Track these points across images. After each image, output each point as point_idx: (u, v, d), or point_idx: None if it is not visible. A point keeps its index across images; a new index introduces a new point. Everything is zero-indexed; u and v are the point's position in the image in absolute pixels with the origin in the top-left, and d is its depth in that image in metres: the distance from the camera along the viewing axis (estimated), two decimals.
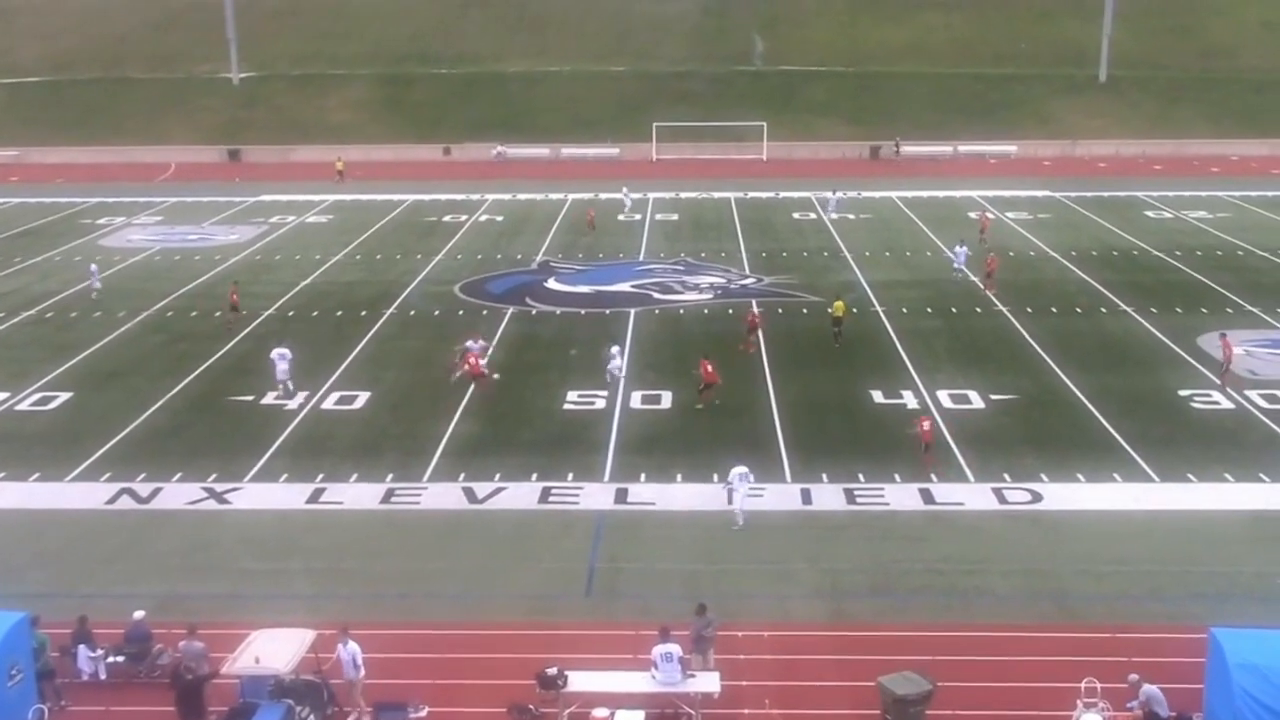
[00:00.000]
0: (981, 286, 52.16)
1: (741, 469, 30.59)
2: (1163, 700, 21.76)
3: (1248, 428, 36.36)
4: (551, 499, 31.86)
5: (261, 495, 32.36)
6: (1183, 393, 39.26)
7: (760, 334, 44.37)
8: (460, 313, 50.06)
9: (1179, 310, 48.75)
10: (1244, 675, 20.70)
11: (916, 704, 21.52)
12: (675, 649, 22.17)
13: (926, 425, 34.08)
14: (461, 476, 33.22)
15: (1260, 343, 44.40)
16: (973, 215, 67.90)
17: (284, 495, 32.31)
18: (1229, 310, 48.95)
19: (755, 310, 46.62)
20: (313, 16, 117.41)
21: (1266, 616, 24.21)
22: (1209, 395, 39.00)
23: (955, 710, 22.17)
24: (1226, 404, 38.25)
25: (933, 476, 32.70)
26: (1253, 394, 38.82)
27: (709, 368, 38.26)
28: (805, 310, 49.39)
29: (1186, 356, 42.84)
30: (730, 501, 30.44)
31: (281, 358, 39.69)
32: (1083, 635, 24.85)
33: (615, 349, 41.09)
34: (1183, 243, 61.88)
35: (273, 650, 21.58)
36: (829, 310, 46.01)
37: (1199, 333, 45.29)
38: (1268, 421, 36.53)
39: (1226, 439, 35.44)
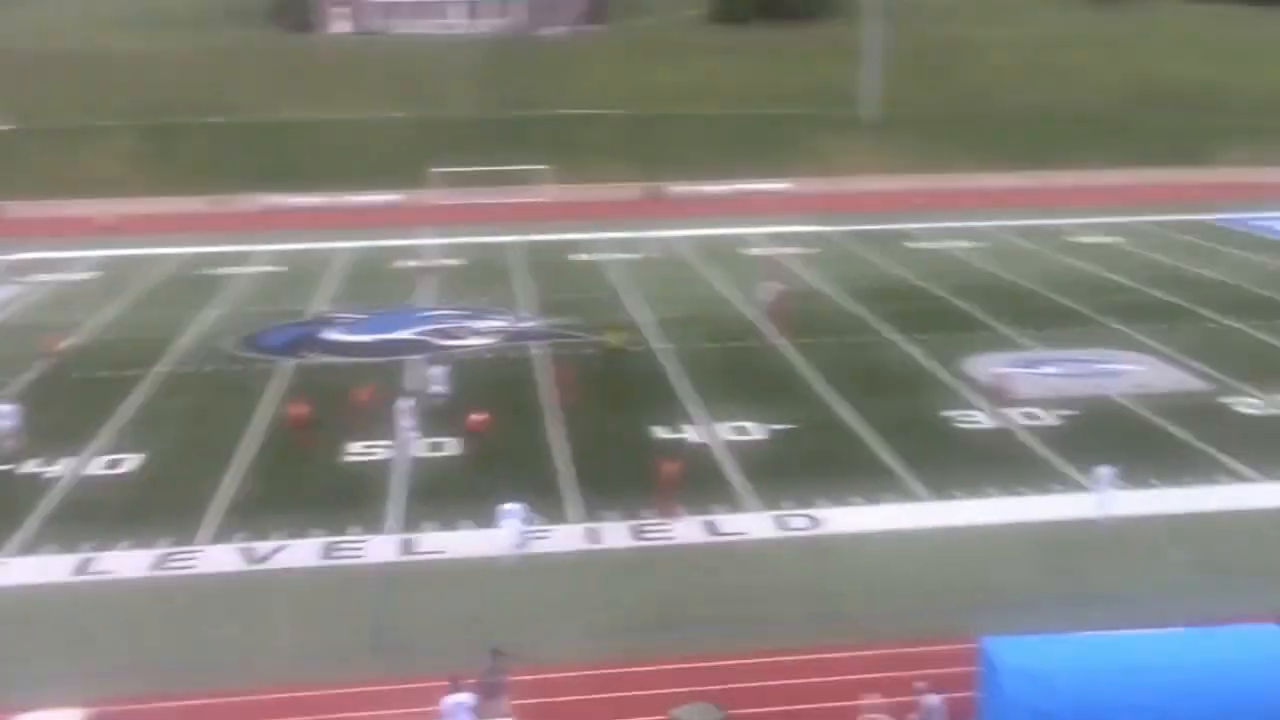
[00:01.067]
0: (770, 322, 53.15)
1: (513, 505, 30.76)
2: (942, 711, 22.56)
3: (1009, 445, 38.19)
4: (335, 554, 31.18)
5: (21, 570, 30.67)
6: (947, 414, 41.00)
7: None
8: (236, 368, 48.71)
9: (942, 336, 50.92)
10: (1015, 681, 21.66)
11: None
12: (466, 698, 21.94)
13: (669, 468, 33.94)
14: (240, 537, 32.24)
15: (1017, 363, 46.72)
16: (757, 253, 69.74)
17: (47, 568, 30.69)
18: (987, 334, 51.42)
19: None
20: (74, 68, 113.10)
21: (1033, 624, 25.34)
22: (971, 415, 40.84)
23: None
24: (988, 423, 40.12)
25: (648, 515, 32.97)
26: (1011, 412, 40.81)
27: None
28: (590, 351, 49.75)
29: (950, 379, 44.77)
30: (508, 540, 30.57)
31: (2, 416, 38.03)
32: (864, 653, 25.60)
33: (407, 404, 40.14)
34: (945, 271, 64.74)
35: None
36: (604, 340, 47.08)
37: (961, 356, 47.40)
38: (1026, 438, 38.42)
39: (989, 456, 37.14)
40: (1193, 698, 21.62)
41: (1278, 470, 35.51)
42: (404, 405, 39.72)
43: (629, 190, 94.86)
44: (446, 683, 22.33)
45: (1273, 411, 40.93)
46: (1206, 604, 27.26)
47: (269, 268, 69.97)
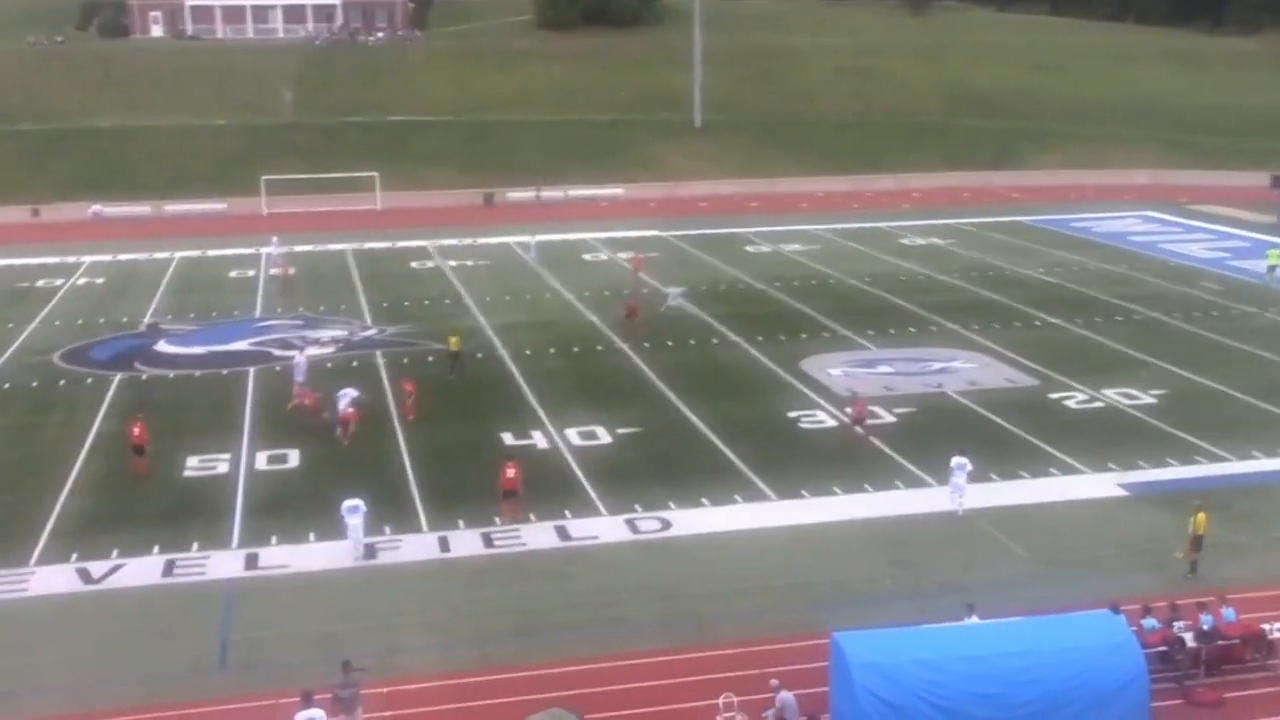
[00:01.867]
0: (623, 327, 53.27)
1: (352, 502, 30.88)
2: (795, 706, 23.01)
3: (850, 443, 39.10)
4: (176, 571, 30.31)
5: None
6: (791, 414, 41.81)
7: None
8: (61, 382, 46.86)
9: (782, 337, 51.89)
10: (865, 674, 22.20)
11: None
12: (319, 714, 21.57)
13: (511, 473, 33.42)
14: (74, 557, 31.05)
15: (854, 363, 47.91)
16: (624, 256, 69.98)
17: None
18: (825, 335, 52.60)
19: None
20: None
21: (881, 617, 26.04)
22: (814, 415, 41.73)
23: None
24: (831, 422, 41.06)
25: (496, 520, 32.95)
26: (852, 411, 41.75)
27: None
28: (430, 359, 49.25)
29: (792, 380, 45.66)
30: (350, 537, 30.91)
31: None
32: (718, 653, 25.96)
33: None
34: (781, 274, 65.96)
35: None
36: (446, 346, 47.05)
37: (801, 357, 48.39)
38: (869, 436, 39.39)
39: (834, 455, 38.00)
40: (1033, 684, 22.46)
41: (1102, 461, 37.09)
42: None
43: (462, 197, 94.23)
44: (299, 698, 21.89)
45: (1096, 405, 42.75)
46: (1044, 592, 28.36)
47: (94, 279, 67.49)
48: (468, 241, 77.02)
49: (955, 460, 33.70)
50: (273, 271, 67.59)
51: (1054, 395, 43.92)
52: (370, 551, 30.83)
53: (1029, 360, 47.98)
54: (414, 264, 70.86)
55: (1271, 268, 63.78)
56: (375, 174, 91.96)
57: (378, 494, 34.54)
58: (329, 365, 48.91)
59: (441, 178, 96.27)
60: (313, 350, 45.68)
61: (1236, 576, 29.10)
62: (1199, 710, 23.66)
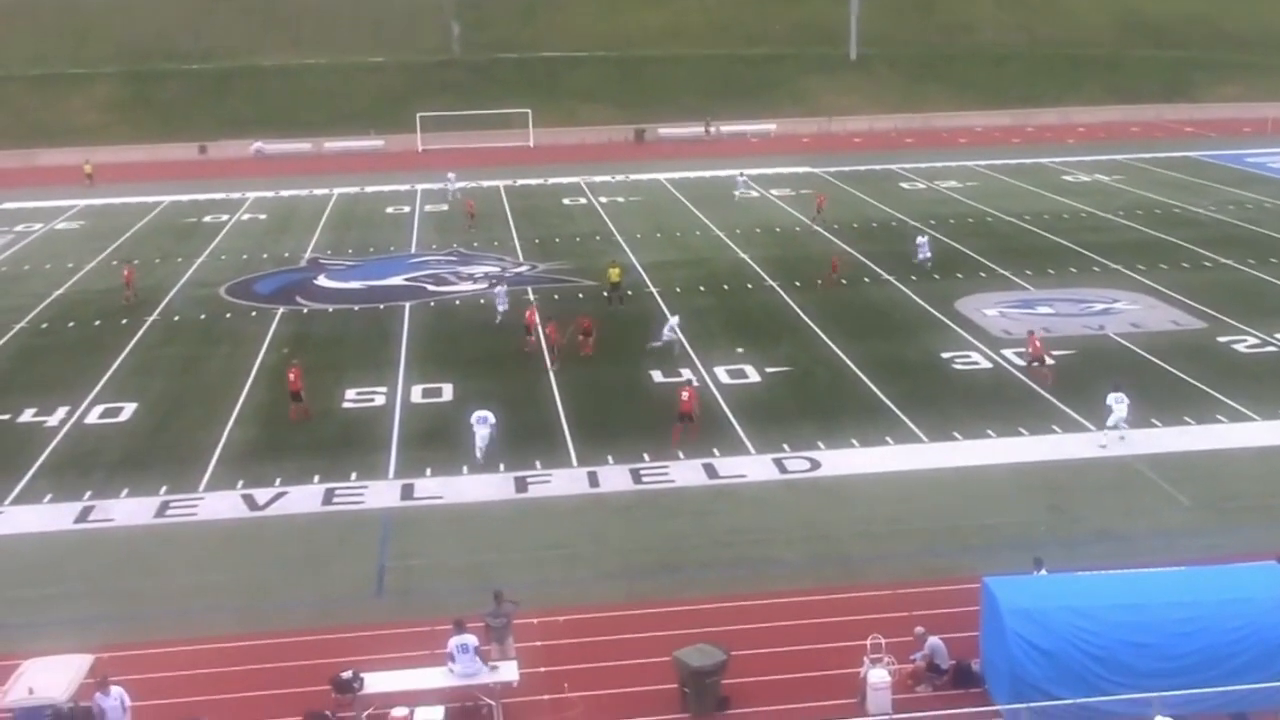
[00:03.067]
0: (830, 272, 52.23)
1: (482, 413, 32.99)
2: (944, 651, 22.74)
3: (1006, 385, 38.24)
4: (335, 500, 31.19)
5: (24, 518, 30.62)
6: (945, 355, 41.03)
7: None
8: (228, 315, 48.49)
9: (936, 277, 50.85)
10: (1017, 620, 21.77)
11: (712, 674, 21.93)
12: (471, 640, 22.01)
13: (686, 395, 34.37)
14: (240, 484, 32.19)
15: (1011, 304, 46.76)
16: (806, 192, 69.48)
17: (49, 516, 30.64)
18: (982, 275, 51.39)
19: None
20: (50, 15, 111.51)
21: (1032, 564, 25.46)
22: (969, 356, 40.88)
23: (749, 677, 22.67)
24: (985, 363, 40.17)
25: (679, 454, 33.15)
26: (1008, 353, 40.86)
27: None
28: (581, 295, 49.58)
29: (946, 320, 44.77)
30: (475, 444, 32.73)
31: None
32: (865, 594, 25.73)
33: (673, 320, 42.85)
34: (936, 212, 64.60)
35: (47, 680, 20.53)
36: (606, 278, 47.74)
37: (956, 297, 47.38)
38: (1023, 379, 38.47)
39: (987, 397, 37.20)
40: (1193, 635, 21.73)
41: (1273, 408, 35.60)
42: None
43: (614, 133, 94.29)
44: (451, 625, 22.37)
45: (1268, 349, 41.02)
46: (1208, 542, 27.44)
47: (257, 215, 69.52)
48: (619, 178, 77.15)
49: (1112, 396, 32.91)
50: (448, 201, 69.61)
51: (1223, 339, 42.23)
52: (521, 484, 31.31)
53: (1197, 302, 46.20)
54: (566, 200, 71.30)
55: None
56: (528, 110, 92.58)
57: (529, 428, 35.09)
58: (481, 301, 49.60)
59: (594, 113, 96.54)
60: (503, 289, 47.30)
61: None
62: None
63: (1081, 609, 22.06)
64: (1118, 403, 33.04)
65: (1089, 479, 31.43)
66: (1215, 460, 32.48)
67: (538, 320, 43.01)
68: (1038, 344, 38.96)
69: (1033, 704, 19.31)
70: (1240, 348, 41.26)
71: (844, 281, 50.01)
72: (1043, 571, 24.11)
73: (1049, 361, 38.57)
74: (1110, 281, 49.91)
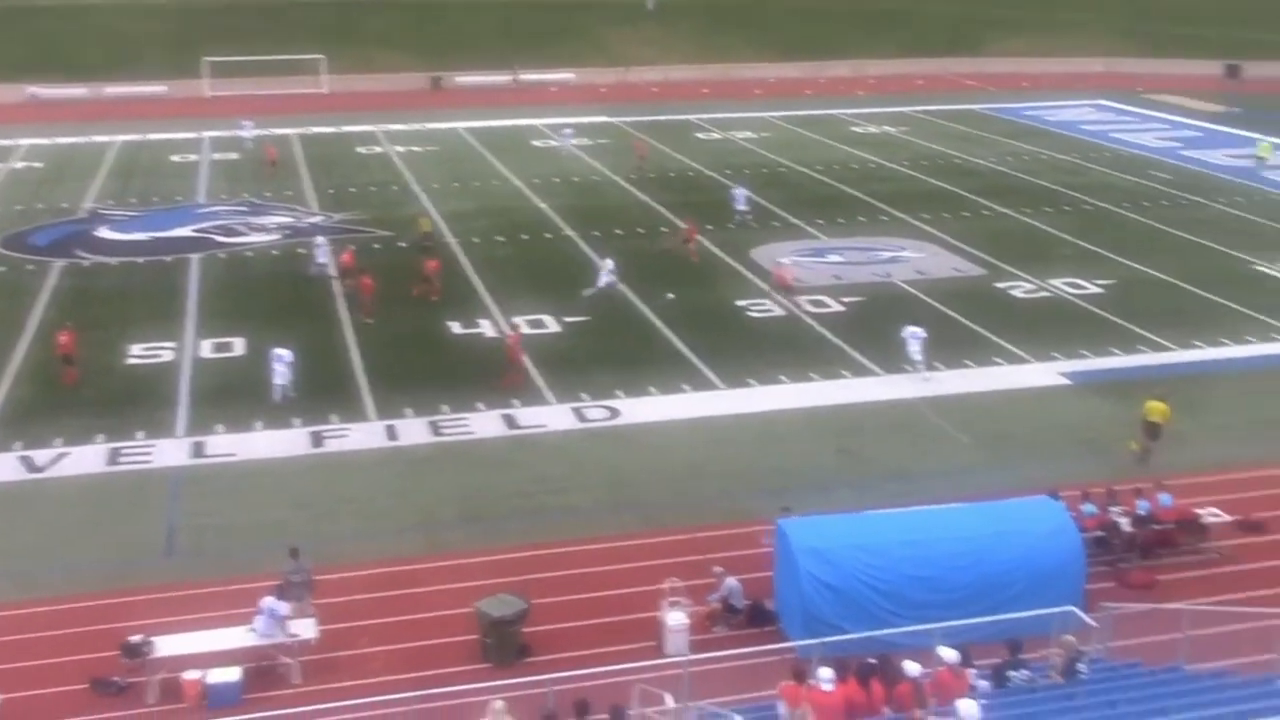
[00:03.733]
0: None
1: (280, 350, 33.51)
2: (740, 591, 23.32)
3: (799, 332, 39.25)
4: (121, 460, 30.10)
5: None
6: (740, 303, 41.82)
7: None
8: (2, 269, 46.06)
9: (731, 226, 51.64)
10: (807, 559, 22.51)
11: (512, 623, 22.06)
12: (283, 607, 21.61)
13: (511, 341, 34.81)
14: (18, 445, 30.75)
15: (804, 253, 47.87)
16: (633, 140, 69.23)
17: None
18: (775, 224, 52.42)
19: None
20: None
21: (824, 504, 26.33)
22: (763, 304, 41.76)
23: (551, 625, 22.89)
24: (778, 311, 41.10)
25: (515, 401, 33.31)
26: (801, 300, 41.88)
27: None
28: (377, 245, 48.75)
29: (741, 269, 45.59)
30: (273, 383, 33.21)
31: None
32: (663, 539, 26.18)
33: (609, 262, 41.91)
34: (732, 162, 65.54)
35: None
36: (417, 226, 47.63)
37: (751, 246, 48.26)
38: (816, 325, 39.53)
39: (781, 344, 38.10)
40: (971, 567, 22.83)
41: (1046, 350, 37.42)
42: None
43: (410, 80, 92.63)
44: (250, 586, 21.92)
45: (1042, 294, 43.02)
46: (987, 479, 28.73)
47: (32, 163, 66.03)
48: (416, 127, 75.97)
49: (908, 330, 34.56)
50: (244, 148, 67.67)
51: (1000, 285, 44.17)
52: (317, 439, 30.79)
53: (977, 250, 48.14)
54: (361, 149, 69.86)
55: (1260, 159, 64.20)
56: (321, 57, 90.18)
57: (324, 382, 34.49)
58: (274, 253, 48.35)
59: (390, 60, 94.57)
60: (322, 239, 46.25)
61: (1175, 463, 29.60)
62: (1131, 592, 24.18)
63: (868, 546, 22.93)
64: (913, 338, 34.59)
65: (877, 421, 32.57)
66: (993, 401, 34.03)
67: (355, 264, 42.94)
68: (785, 275, 41.36)
69: (825, 639, 19.97)
70: (1016, 293, 43.20)
71: (695, 256, 47.10)
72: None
73: (793, 294, 40.67)
74: (897, 230, 51.55)
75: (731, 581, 23.38)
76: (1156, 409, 30.03)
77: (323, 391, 33.85)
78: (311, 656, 21.80)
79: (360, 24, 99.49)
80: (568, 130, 70.89)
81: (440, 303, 41.51)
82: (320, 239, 46.19)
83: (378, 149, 69.86)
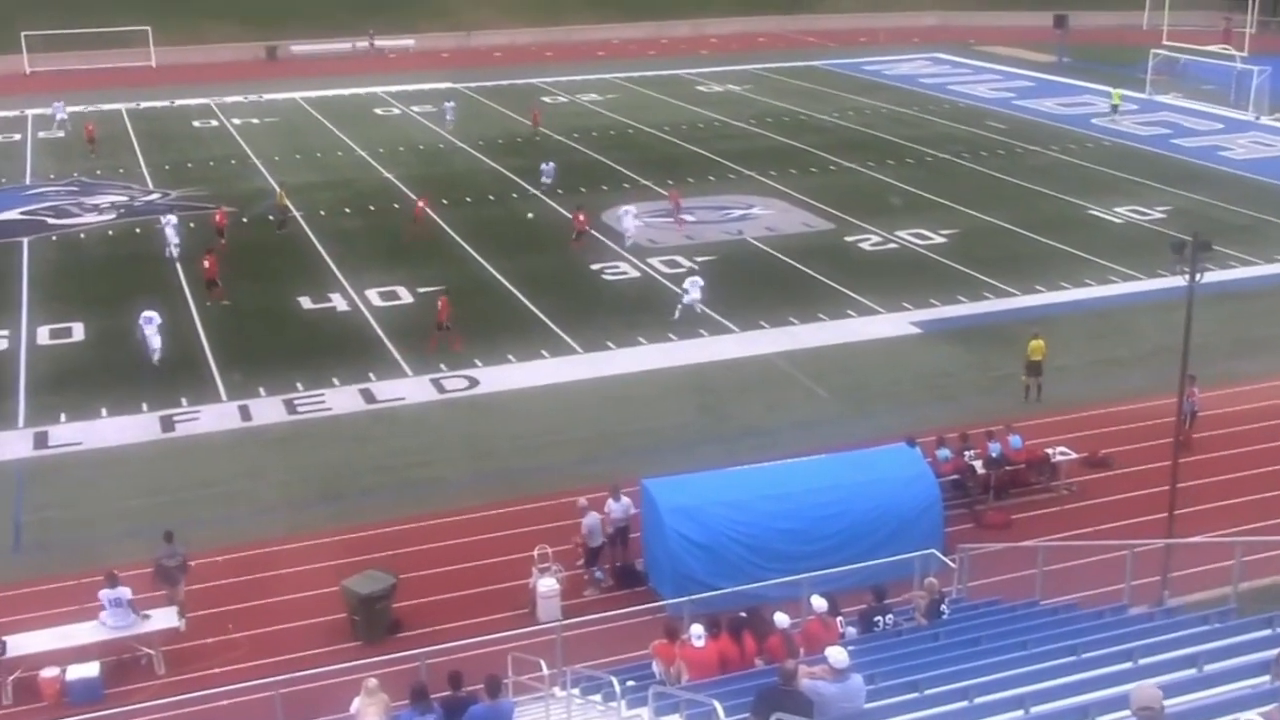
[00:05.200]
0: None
1: (148, 313, 33.98)
2: (598, 529, 23.30)
3: (653, 292, 39.33)
4: None
5: None
6: (594, 266, 41.73)
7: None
8: None
9: (583, 190, 51.48)
10: (674, 518, 22.70)
11: (381, 599, 21.79)
12: (125, 593, 20.95)
13: (440, 304, 34.73)
14: None
15: (656, 213, 47.95)
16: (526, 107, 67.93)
17: None
18: (626, 185, 52.41)
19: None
20: None
21: (687, 463, 26.50)
22: (617, 267, 41.75)
23: (420, 599, 22.67)
24: (633, 273, 41.14)
25: (371, 375, 32.81)
26: (654, 260, 41.99)
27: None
28: (192, 224, 47.14)
29: (593, 232, 45.41)
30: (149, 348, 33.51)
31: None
32: (530, 507, 26.07)
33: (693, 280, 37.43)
34: (579, 125, 65.26)
35: None
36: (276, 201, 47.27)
37: (602, 209, 48.13)
38: (670, 285, 39.60)
39: (636, 305, 38.16)
40: (836, 517, 23.31)
41: (897, 301, 38.17)
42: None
43: (243, 50, 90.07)
44: (102, 577, 21.22)
45: (890, 246, 43.83)
46: (845, 430, 29.23)
47: None
48: (253, 98, 73.96)
49: (689, 280, 36.72)
50: (57, 129, 64.65)
51: (849, 238, 44.88)
52: (167, 423, 29.87)
53: (825, 204, 48.80)
54: (196, 123, 67.74)
55: (1114, 106, 66.18)
56: (148, 28, 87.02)
57: (172, 364, 33.52)
58: (110, 233, 46.68)
59: (221, 30, 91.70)
60: (173, 218, 44.66)
61: (1023, 405, 30.53)
62: (988, 531, 24.92)
63: (733, 502, 23.21)
64: (694, 286, 36.19)
65: (735, 378, 32.88)
66: (847, 353, 34.62)
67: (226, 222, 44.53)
68: (580, 219, 43.33)
69: (695, 596, 20.14)
70: (865, 246, 43.96)
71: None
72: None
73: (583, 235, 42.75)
74: (746, 188, 51.97)
75: (591, 519, 23.34)
76: (1037, 348, 31.24)
77: (171, 374, 32.87)
78: (174, 646, 21.26)
79: None
80: (450, 104, 68.00)
81: (287, 277, 40.59)
82: (170, 218, 44.66)
83: (214, 122, 67.81)
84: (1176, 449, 23.53)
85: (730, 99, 73.12)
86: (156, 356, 33.44)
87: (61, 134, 64.38)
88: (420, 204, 46.86)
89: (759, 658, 17.45)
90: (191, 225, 46.38)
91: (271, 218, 46.97)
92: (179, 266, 41.67)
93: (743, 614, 18.31)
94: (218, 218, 44.97)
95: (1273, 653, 12.67)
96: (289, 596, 23.00)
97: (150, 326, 33.71)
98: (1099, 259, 41.90)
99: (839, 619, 18.42)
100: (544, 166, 52.78)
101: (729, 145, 59.90)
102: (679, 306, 36.70)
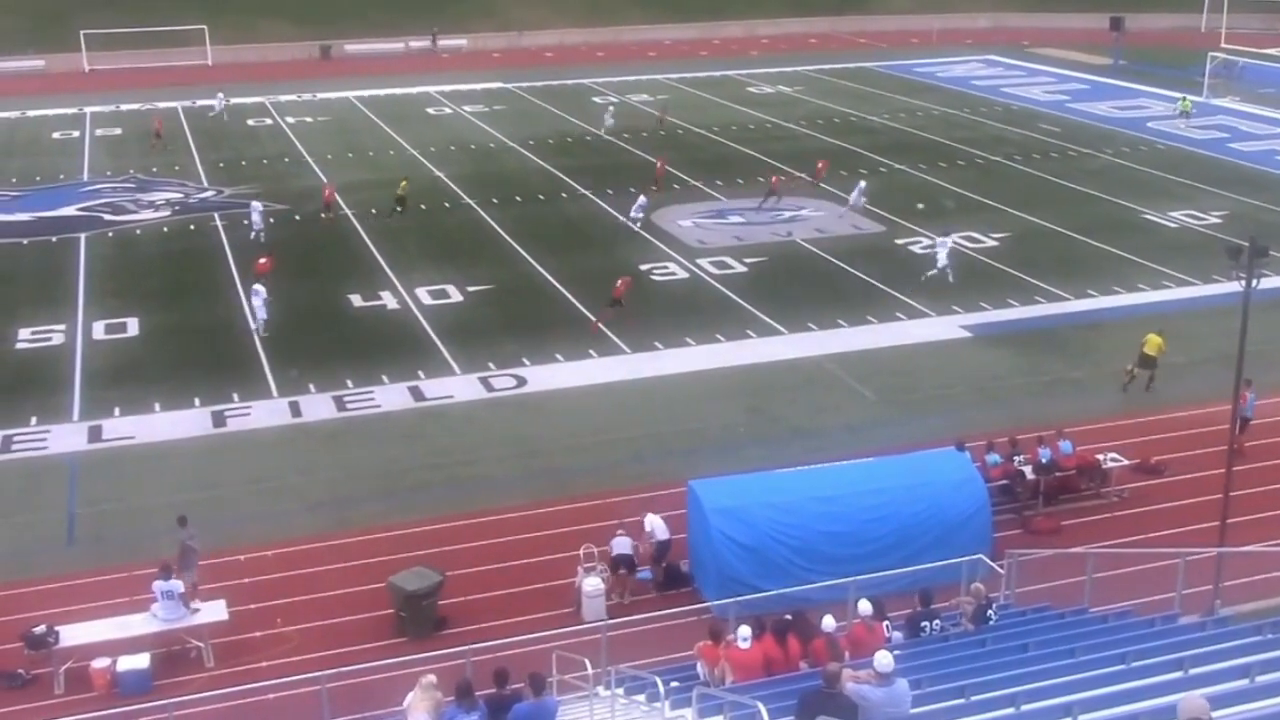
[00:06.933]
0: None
1: (255, 285, 35.87)
2: (628, 546, 23.26)
3: (702, 294, 39.31)
4: (15, 447, 29.25)
5: None
6: (643, 267, 41.73)
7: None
8: None
9: (632, 189, 51.41)
10: (720, 519, 22.67)
11: (428, 596, 21.90)
12: (178, 584, 21.19)
13: (620, 284, 36.21)
14: None
15: (704, 214, 47.91)
16: (608, 102, 68.17)
17: None
18: (677, 186, 52.36)
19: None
20: None
21: (733, 464, 26.47)
22: (666, 267, 41.74)
23: (466, 596, 22.77)
24: (682, 274, 41.12)
25: (420, 374, 32.95)
26: (703, 262, 41.95)
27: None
28: (272, 220, 47.75)
29: (642, 232, 45.45)
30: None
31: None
32: (576, 506, 26.14)
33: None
34: (629, 125, 65.27)
35: None
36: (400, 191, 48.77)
37: (652, 210, 48.00)
38: (719, 286, 39.62)
39: (685, 306, 38.13)
40: (882, 520, 23.19)
41: (946, 305, 37.90)
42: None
43: (297, 50, 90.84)
44: (157, 569, 21.44)
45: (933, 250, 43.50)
46: (892, 433, 29.10)
47: None
48: (306, 97, 74.58)
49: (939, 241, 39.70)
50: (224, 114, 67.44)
51: (900, 241, 44.62)
52: (219, 419, 30.17)
53: (875, 207, 48.53)
54: (250, 121, 68.37)
55: (1184, 112, 65.48)
56: (204, 27, 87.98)
57: (223, 359, 33.88)
58: (165, 230, 47.23)
59: (274, 29, 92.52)
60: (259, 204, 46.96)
61: (1075, 410, 30.24)
62: (1037, 538, 24.70)
63: (779, 504, 23.14)
64: (942, 247, 38.89)
65: (783, 380, 32.79)
66: (896, 356, 34.43)
67: (336, 198, 47.94)
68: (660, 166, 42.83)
69: (740, 598, 20.12)
70: (915, 249, 43.68)
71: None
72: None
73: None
74: (797, 190, 51.76)
75: (621, 540, 23.31)
76: (1154, 342, 31.36)
77: (222, 369, 33.21)
78: (224, 638, 21.46)
79: None
80: (610, 108, 67.15)
81: (340, 275, 40.92)
82: (256, 204, 46.46)
83: (268, 120, 68.43)
84: (1230, 456, 23.23)
85: (780, 100, 72.92)
86: (263, 328, 35.49)
87: (120, 130, 65.10)
88: (660, 164, 50.32)
89: (803, 660, 17.40)
90: (245, 223, 46.79)
91: (298, 217, 47.88)
92: (232, 266, 42.04)
93: (788, 616, 18.27)
94: (326, 193, 48.67)
95: None
96: (337, 592, 23.17)
97: (258, 299, 35.82)
98: (1152, 264, 41.45)
99: (885, 623, 18.34)
100: (640, 200, 46.70)
101: (778, 146, 59.71)
102: (929, 274, 38.97)
